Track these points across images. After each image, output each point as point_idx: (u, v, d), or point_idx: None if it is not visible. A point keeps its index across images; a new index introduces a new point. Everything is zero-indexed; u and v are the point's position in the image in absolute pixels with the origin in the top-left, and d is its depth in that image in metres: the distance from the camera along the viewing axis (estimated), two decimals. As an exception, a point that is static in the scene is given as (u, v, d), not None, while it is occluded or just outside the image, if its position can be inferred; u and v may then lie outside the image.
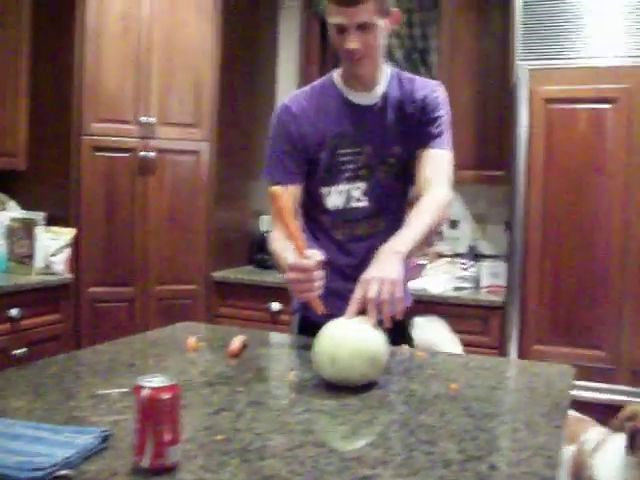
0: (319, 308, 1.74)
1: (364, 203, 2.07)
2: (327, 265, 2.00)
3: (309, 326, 2.12)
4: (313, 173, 2.08)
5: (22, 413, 1.32)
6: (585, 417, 2.72)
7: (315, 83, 2.15)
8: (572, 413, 2.68)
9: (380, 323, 1.62)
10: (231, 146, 4.06)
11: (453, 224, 4.14)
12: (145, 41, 3.76)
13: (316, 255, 1.71)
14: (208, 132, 3.92)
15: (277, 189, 1.73)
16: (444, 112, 2.06)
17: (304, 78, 4.52)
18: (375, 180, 2.06)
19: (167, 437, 1.07)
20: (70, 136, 3.65)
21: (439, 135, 2.02)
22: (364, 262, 1.99)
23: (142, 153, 3.76)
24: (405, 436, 1.28)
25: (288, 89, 4.47)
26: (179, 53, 3.85)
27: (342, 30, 1.87)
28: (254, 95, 4.32)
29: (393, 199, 2.11)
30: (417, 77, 2.13)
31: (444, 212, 1.96)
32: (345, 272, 2.08)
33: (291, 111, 2.05)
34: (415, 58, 4.32)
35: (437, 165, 2.01)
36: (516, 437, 1.31)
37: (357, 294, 1.64)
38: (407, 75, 2.12)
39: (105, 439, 1.16)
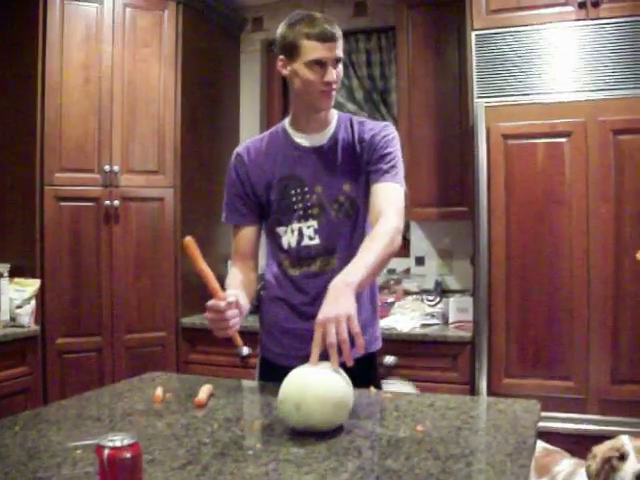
0: (238, 341, 1.90)
1: (316, 241, 2.13)
2: (282, 304, 2.16)
3: (270, 368, 2.22)
4: (268, 214, 2.18)
5: (-17, 477, 1.31)
6: (556, 448, 2.73)
7: (267, 131, 2.27)
8: (543, 445, 2.70)
9: (343, 364, 1.63)
10: (196, 191, 4.07)
11: (419, 261, 4.17)
12: (107, 90, 3.78)
13: (230, 296, 1.85)
14: (172, 178, 3.93)
15: (188, 240, 1.81)
16: (394, 149, 2.11)
17: (267, 121, 4.57)
18: (326, 218, 2.12)
19: (130, 497, 1.07)
20: (33, 186, 3.63)
21: (389, 170, 2.07)
22: (318, 300, 2.03)
23: (106, 202, 3.76)
24: (371, 483, 1.28)
25: (251, 133, 4.50)
26: (141, 101, 3.87)
27: (321, 64, 1.99)
28: (217, 139, 4.35)
29: (345, 236, 2.14)
30: (368, 120, 2.23)
31: (394, 241, 1.96)
32: (300, 310, 2.15)
33: (240, 157, 2.19)
34: (375, 98, 4.38)
35: (387, 197, 2.04)
36: (482, 479, 1.31)
37: (316, 338, 1.65)
38: (358, 118, 2.21)
39: (68, 501, 1.15)
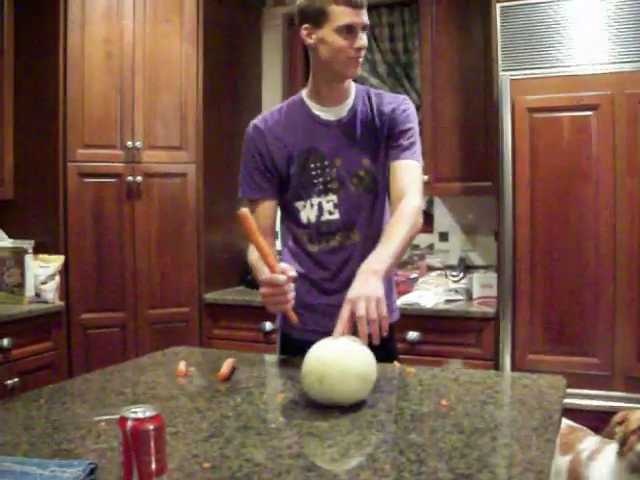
0: (293, 318, 1.82)
1: (336, 216, 2.11)
2: (302, 279, 2.09)
3: (290, 343, 2.21)
4: (287, 188, 2.14)
5: (8, 448, 1.32)
6: (580, 426, 2.72)
7: (284, 102, 2.23)
8: (567, 423, 2.68)
9: (368, 340, 1.62)
10: (218, 167, 4.06)
11: (443, 236, 4.15)
12: (128, 66, 3.77)
13: (288, 270, 1.79)
14: (194, 154, 3.92)
15: (244, 211, 1.76)
16: (413, 124, 2.12)
17: (289, 96, 4.53)
18: (346, 193, 2.10)
19: (153, 468, 1.07)
20: (56, 163, 3.64)
21: (410, 147, 2.07)
22: (338, 275, 2.11)
23: (129, 178, 3.76)
24: (395, 456, 1.27)
25: (273, 106, 4.48)
26: (163, 77, 3.86)
27: (351, 31, 1.96)
28: (239, 115, 4.32)
29: (365, 211, 2.13)
30: (385, 92, 2.21)
31: (417, 221, 1.99)
32: (320, 285, 2.15)
33: (259, 129, 2.14)
34: (398, 72, 4.33)
35: (408, 176, 2.05)
36: (507, 453, 1.30)
37: (344, 313, 1.65)
38: (375, 91, 2.19)
39: (92, 472, 1.15)
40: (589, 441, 2.55)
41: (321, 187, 2.11)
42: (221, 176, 4.07)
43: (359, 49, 1.98)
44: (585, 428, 2.70)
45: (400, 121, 2.09)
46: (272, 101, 4.54)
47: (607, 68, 3.06)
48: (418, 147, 2.10)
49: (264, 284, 1.78)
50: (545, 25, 3.16)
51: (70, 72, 3.64)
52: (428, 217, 4.25)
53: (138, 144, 3.77)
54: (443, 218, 4.17)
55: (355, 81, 2.19)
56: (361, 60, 2.03)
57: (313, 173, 2.10)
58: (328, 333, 1.64)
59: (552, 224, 3.18)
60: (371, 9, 4.28)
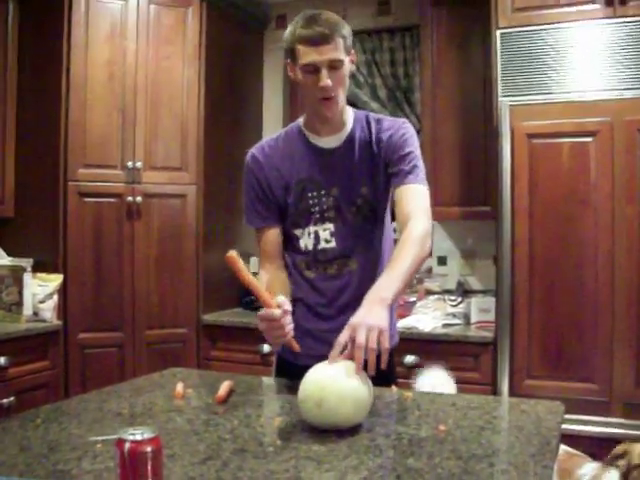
0: (295, 348, 1.84)
1: (332, 244, 2.11)
2: (299, 303, 2.12)
3: (285, 366, 2.22)
4: (285, 216, 2.15)
5: (5, 469, 1.31)
6: (578, 452, 2.70)
7: (282, 130, 2.22)
8: (565, 448, 2.67)
9: (364, 367, 1.61)
10: (218, 189, 4.07)
11: (441, 260, 4.15)
12: (131, 87, 3.79)
13: (284, 304, 1.78)
14: (194, 176, 3.94)
15: (231, 253, 1.74)
16: (413, 148, 2.08)
17: (290, 119, 4.56)
18: (343, 221, 2.10)
19: (150, 490, 1.07)
20: (57, 182, 3.66)
21: (412, 171, 2.03)
22: (334, 301, 2.12)
23: (129, 198, 3.77)
24: (392, 481, 1.27)
25: (274, 130, 4.48)
26: (165, 98, 3.89)
27: (314, 70, 1.93)
28: (240, 137, 4.35)
29: (362, 240, 2.11)
30: (385, 117, 2.17)
31: (425, 245, 1.93)
32: (315, 310, 2.15)
33: (256, 159, 2.14)
34: (399, 96, 4.36)
35: (413, 199, 2.00)
36: (504, 479, 1.30)
37: (342, 338, 1.63)
38: (374, 116, 2.16)
39: (88, 494, 1.15)
40: (588, 467, 2.53)
41: (317, 216, 2.10)
42: (221, 198, 4.09)
43: (323, 89, 1.94)
44: (583, 454, 2.69)
45: (399, 146, 2.05)
46: (273, 123, 4.57)
47: (606, 95, 3.08)
48: (421, 170, 2.06)
49: (261, 320, 1.78)
50: (545, 51, 3.18)
51: (72, 92, 3.66)
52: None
53: (138, 164, 3.78)
54: (442, 242, 4.17)
55: (355, 106, 2.19)
56: (333, 98, 1.97)
57: (310, 202, 2.10)
58: (321, 358, 1.64)
59: (551, 249, 3.18)
60: (372, 34, 4.35)
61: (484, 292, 3.91)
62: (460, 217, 3.80)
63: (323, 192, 2.09)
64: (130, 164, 3.77)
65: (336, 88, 1.96)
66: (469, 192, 3.74)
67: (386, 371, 2.02)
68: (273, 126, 4.56)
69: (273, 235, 2.15)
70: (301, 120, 2.17)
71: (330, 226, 2.10)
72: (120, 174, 3.78)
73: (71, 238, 3.68)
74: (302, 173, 2.10)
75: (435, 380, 2.89)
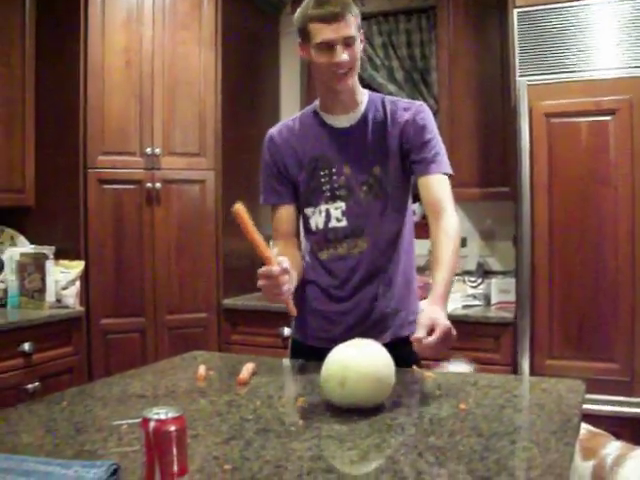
0: (292, 311, 1.87)
1: (343, 223, 2.11)
2: (312, 285, 2.16)
3: (299, 348, 2.25)
4: (298, 195, 2.17)
5: (32, 449, 1.34)
6: (601, 431, 2.68)
7: (299, 112, 2.27)
8: (588, 428, 2.66)
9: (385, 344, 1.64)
10: (237, 174, 4.08)
11: (461, 242, 4.13)
12: (148, 73, 3.80)
13: (283, 262, 1.79)
14: (213, 161, 3.95)
15: (237, 206, 1.75)
16: (433, 133, 2.09)
17: (307, 102, 4.56)
18: (354, 200, 2.10)
19: (175, 468, 1.08)
20: (77, 170, 3.69)
21: (434, 159, 2.05)
22: (345, 283, 2.13)
23: (148, 184, 3.79)
24: (414, 459, 1.28)
25: (292, 114, 4.48)
26: (182, 84, 3.89)
27: (329, 46, 1.95)
28: (258, 121, 4.35)
29: (373, 219, 2.11)
30: (400, 99, 2.19)
31: (460, 237, 2.06)
32: (328, 292, 2.16)
33: (274, 140, 2.19)
34: (416, 78, 4.34)
35: (440, 191, 2.04)
36: (525, 456, 1.30)
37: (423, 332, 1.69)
38: (390, 98, 2.18)
39: (114, 472, 1.16)
40: (612, 446, 2.51)
41: (329, 194, 2.11)
42: (240, 182, 4.09)
43: (338, 65, 1.96)
44: (606, 433, 2.67)
45: (419, 132, 2.06)
46: (290, 107, 4.57)
47: (625, 73, 3.06)
48: (443, 155, 2.08)
49: (260, 276, 1.79)
50: (562, 30, 3.16)
51: (90, 80, 3.68)
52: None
53: (157, 151, 3.80)
54: (461, 223, 4.14)
55: (371, 88, 2.20)
56: (350, 74, 2.01)
57: (322, 180, 2.12)
58: (332, 339, 1.71)
59: (570, 229, 3.17)
60: (388, 16, 4.33)
61: (504, 273, 3.90)
62: (479, 198, 3.79)
63: (335, 170, 2.10)
64: (149, 150, 3.79)
65: (351, 63, 1.99)
66: (488, 173, 3.73)
67: (409, 353, 2.06)
68: (290, 110, 4.55)
69: (288, 213, 2.19)
70: (316, 103, 2.19)
71: (342, 205, 2.10)
72: (139, 160, 3.80)
73: (92, 225, 3.71)
74: (315, 151, 2.13)
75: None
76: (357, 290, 2.13)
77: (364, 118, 2.11)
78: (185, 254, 3.91)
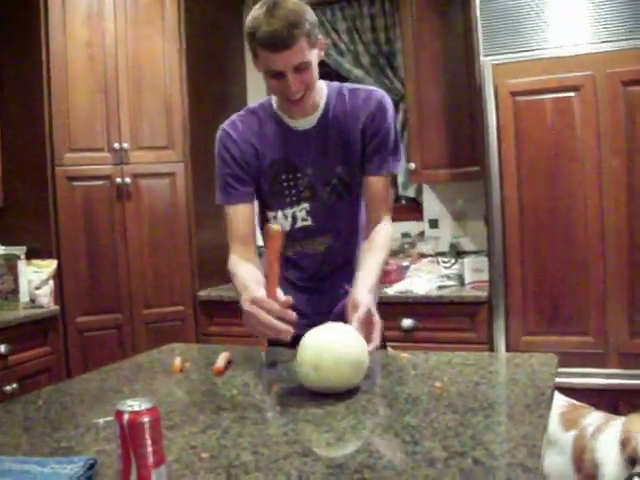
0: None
1: (309, 222, 2.11)
2: (281, 280, 2.02)
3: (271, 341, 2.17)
4: (259, 198, 2.13)
5: (9, 449, 1.33)
6: (583, 404, 2.72)
7: (253, 106, 2.14)
8: (571, 401, 2.70)
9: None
10: (206, 165, 3.99)
11: (433, 223, 4.17)
12: (112, 68, 3.77)
13: (283, 298, 1.65)
14: (182, 153, 3.94)
15: (278, 228, 1.67)
16: (391, 128, 2.06)
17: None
18: (318, 200, 2.09)
19: (151, 459, 1.08)
20: (44, 168, 3.66)
21: (385, 159, 2.07)
22: (313, 276, 2.14)
23: (118, 179, 3.77)
24: (389, 439, 1.29)
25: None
26: (147, 77, 3.87)
27: (278, 75, 1.85)
28: (225, 112, 4.27)
29: (339, 217, 2.12)
30: (359, 87, 2.11)
31: (389, 246, 2.11)
32: (295, 284, 2.15)
33: (229, 135, 2.09)
34: (382, 62, 4.34)
35: (383, 193, 2.10)
36: (499, 430, 1.32)
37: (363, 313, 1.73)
38: (348, 86, 2.10)
39: (91, 467, 1.17)
40: (593, 416, 2.56)
41: (294, 198, 2.09)
42: (210, 173, 3.99)
43: (290, 93, 1.87)
44: (587, 405, 2.70)
45: (377, 130, 2.04)
46: (256, 97, 4.54)
47: (587, 49, 3.09)
48: (394, 153, 2.08)
49: (254, 303, 1.63)
50: (524, 8, 3.18)
51: (54, 76, 3.65)
52: (418, 205, 4.27)
53: (125, 145, 3.78)
54: (432, 205, 4.19)
55: (339, 75, 2.15)
56: (303, 96, 1.91)
57: (284, 184, 2.08)
58: (303, 328, 1.66)
59: (540, 206, 3.20)
60: (352, 1, 4.32)
61: (477, 252, 3.93)
62: (449, 179, 3.81)
63: (299, 174, 2.06)
64: (117, 145, 3.76)
65: (304, 89, 1.90)
66: (457, 154, 3.74)
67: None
68: (257, 97, 4.52)
69: (246, 213, 2.09)
70: (273, 98, 2.09)
71: (306, 205, 2.09)
72: (107, 156, 3.77)
73: (63, 223, 3.68)
74: (275, 154, 2.06)
75: None
76: (323, 280, 2.16)
77: (324, 116, 2.05)
78: (158, 248, 3.89)
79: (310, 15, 1.84)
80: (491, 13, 3.23)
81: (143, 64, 3.86)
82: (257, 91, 4.58)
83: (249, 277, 1.88)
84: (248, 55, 4.57)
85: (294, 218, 2.10)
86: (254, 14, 1.83)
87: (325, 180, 2.07)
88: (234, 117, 2.14)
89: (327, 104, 2.06)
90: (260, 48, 1.81)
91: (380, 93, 2.08)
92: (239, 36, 4.58)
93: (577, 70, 3.09)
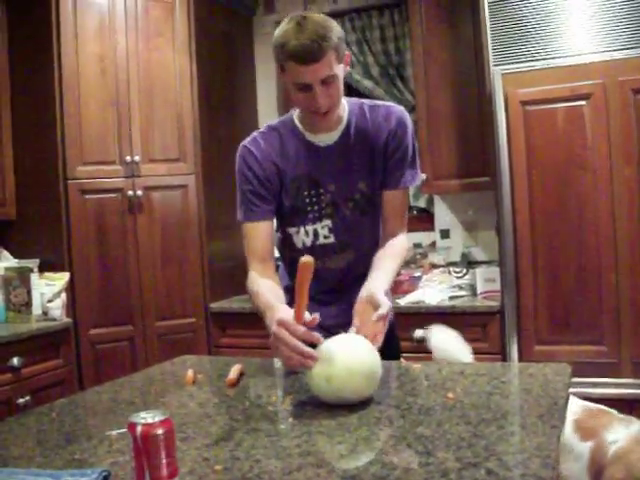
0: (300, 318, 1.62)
1: (331, 239, 2.11)
2: None
3: None
4: (279, 214, 2.12)
5: (23, 461, 1.33)
6: (599, 406, 2.55)
7: (274, 123, 2.15)
8: (588, 405, 2.54)
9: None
10: (217, 177, 4.08)
11: (444, 233, 4.16)
12: (124, 81, 3.80)
13: (314, 318, 1.60)
14: (193, 165, 3.95)
15: (310, 261, 1.58)
16: (411, 144, 2.10)
17: (283, 103, 4.57)
18: (340, 217, 2.09)
19: (165, 471, 1.09)
20: (57, 181, 3.68)
21: (403, 174, 2.10)
22: (333, 290, 2.14)
23: (129, 192, 3.79)
24: (403, 450, 1.29)
25: (269, 114, 4.53)
26: (158, 90, 3.89)
27: (307, 88, 1.87)
28: (236, 123, 4.35)
29: (360, 232, 2.14)
30: (377, 103, 2.13)
31: (405, 256, 2.17)
32: (318, 298, 2.08)
33: (251, 152, 2.08)
34: (391, 73, 4.35)
35: (401, 206, 2.15)
36: (513, 440, 1.32)
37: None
38: (368, 103, 2.12)
39: (105, 479, 1.17)
40: (619, 431, 2.34)
41: (317, 214, 2.09)
42: (221, 185, 4.10)
43: (317, 106, 1.90)
44: (605, 408, 2.53)
45: (398, 147, 2.07)
46: (267, 108, 4.58)
47: (598, 57, 3.08)
48: (413, 168, 2.12)
49: (281, 325, 1.59)
50: (534, 17, 3.18)
51: (66, 90, 3.67)
52: (429, 215, 4.27)
53: (137, 158, 3.80)
54: (444, 216, 4.18)
55: (349, 86, 2.16)
56: (329, 111, 1.94)
57: (307, 201, 2.08)
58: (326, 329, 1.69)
59: (551, 215, 3.19)
60: (361, 12, 4.34)
61: (488, 262, 3.92)
62: (460, 189, 3.81)
63: (321, 190, 2.07)
64: (128, 158, 3.78)
65: (330, 102, 1.92)
66: (467, 164, 3.74)
67: (393, 346, 2.07)
68: (268, 110, 4.57)
69: (267, 231, 2.08)
70: (294, 114, 2.11)
71: (328, 222, 2.10)
72: (119, 169, 3.79)
73: (75, 236, 3.70)
74: (298, 170, 2.06)
75: (447, 334, 2.78)
76: (344, 294, 2.11)
77: (347, 132, 2.06)
78: (170, 260, 3.90)
79: (337, 30, 1.87)
80: (501, 22, 3.23)
81: (154, 76, 3.88)
82: (268, 102, 4.61)
83: (272, 295, 1.87)
84: (259, 66, 4.62)
85: (315, 235, 2.11)
86: (283, 28, 1.86)
87: (347, 196, 2.08)
88: (255, 134, 2.13)
89: (349, 120, 2.07)
90: (289, 61, 1.84)
91: (399, 109, 2.10)
92: (250, 47, 4.62)
93: (587, 79, 3.09)
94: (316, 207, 2.08)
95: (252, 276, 2.03)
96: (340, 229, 2.10)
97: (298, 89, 1.89)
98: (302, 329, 1.58)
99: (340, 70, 1.90)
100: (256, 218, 2.07)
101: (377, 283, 1.85)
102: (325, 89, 1.87)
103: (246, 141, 2.13)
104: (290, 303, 1.74)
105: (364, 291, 1.81)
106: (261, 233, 2.07)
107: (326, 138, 2.06)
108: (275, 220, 2.14)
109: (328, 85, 1.87)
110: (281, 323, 1.59)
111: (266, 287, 1.94)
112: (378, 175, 2.08)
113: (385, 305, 1.72)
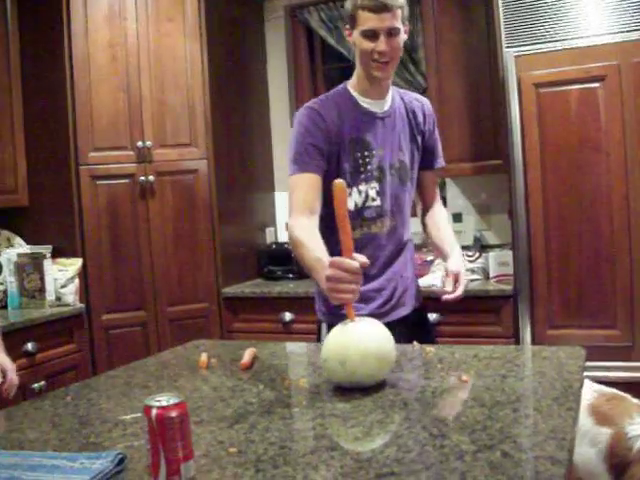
0: (350, 315, 1.63)
1: (377, 202, 2.23)
2: None
3: (329, 330, 2.16)
4: (334, 175, 2.08)
5: (38, 444, 1.34)
6: (613, 391, 2.48)
7: (329, 93, 2.30)
8: (602, 390, 2.48)
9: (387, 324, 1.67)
10: (229, 161, 4.08)
11: (457, 217, 4.13)
12: (134, 67, 3.79)
13: (361, 258, 1.62)
14: (205, 150, 3.94)
15: (341, 182, 1.65)
16: (436, 130, 2.44)
17: (294, 86, 4.55)
18: (385, 181, 2.24)
19: (180, 454, 1.09)
20: (69, 167, 3.68)
21: (439, 154, 2.45)
22: (376, 260, 2.23)
23: (141, 177, 3.79)
24: (418, 432, 1.29)
25: (280, 99, 4.51)
26: (169, 75, 3.88)
27: (373, 35, 2.06)
28: (247, 108, 4.34)
29: (401, 202, 2.30)
30: (405, 91, 2.42)
31: None
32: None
33: (316, 111, 2.18)
34: (403, 56, 4.29)
35: (436, 185, 2.53)
36: (528, 423, 1.32)
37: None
38: (396, 89, 2.36)
39: (120, 462, 1.17)
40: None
41: (369, 174, 2.21)
42: (232, 170, 4.10)
43: (379, 53, 2.07)
44: (622, 394, 2.46)
45: (433, 130, 2.39)
46: (278, 92, 4.57)
47: (612, 38, 3.05)
48: (441, 150, 2.47)
49: (332, 265, 1.60)
50: (547, -1, 3.15)
51: (77, 77, 3.67)
52: (441, 199, 4.25)
53: (148, 143, 3.79)
54: (456, 199, 4.16)
55: None
56: (389, 64, 2.11)
57: (360, 162, 2.20)
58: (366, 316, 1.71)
59: (565, 198, 3.17)
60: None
61: (501, 246, 3.90)
62: (472, 172, 3.79)
63: (374, 152, 2.21)
64: (140, 144, 3.78)
65: (391, 54, 2.09)
66: (479, 147, 3.72)
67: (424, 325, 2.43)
68: (279, 95, 4.56)
69: (318, 183, 2.11)
70: (348, 84, 2.27)
71: (376, 185, 2.22)
72: (131, 154, 3.79)
73: (87, 222, 3.71)
74: (353, 133, 2.20)
75: None
76: (386, 266, 2.28)
77: (393, 106, 2.27)
78: (182, 245, 3.90)
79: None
80: (513, 4, 3.20)
81: (165, 62, 3.87)
82: (279, 86, 4.59)
83: (320, 251, 1.88)
84: (269, 50, 4.60)
85: (366, 195, 2.22)
86: None
87: (391, 163, 2.25)
88: (313, 101, 2.26)
89: (393, 96, 2.30)
90: (362, 10, 2.05)
91: (425, 99, 2.44)
92: (260, 31, 4.60)
93: (601, 60, 3.05)
94: (369, 167, 2.21)
95: (299, 224, 2.03)
96: (384, 193, 2.23)
97: (365, 37, 2.08)
98: (355, 264, 1.59)
99: (402, 30, 2.11)
100: (311, 169, 2.12)
101: (456, 259, 2.26)
102: (389, 40, 2.07)
103: (307, 105, 2.24)
104: None
105: (451, 265, 2.21)
106: (312, 182, 2.11)
107: (377, 107, 2.24)
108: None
109: (392, 38, 2.07)
110: (333, 264, 1.60)
111: (315, 241, 1.95)
112: (415, 151, 2.33)
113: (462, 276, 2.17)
